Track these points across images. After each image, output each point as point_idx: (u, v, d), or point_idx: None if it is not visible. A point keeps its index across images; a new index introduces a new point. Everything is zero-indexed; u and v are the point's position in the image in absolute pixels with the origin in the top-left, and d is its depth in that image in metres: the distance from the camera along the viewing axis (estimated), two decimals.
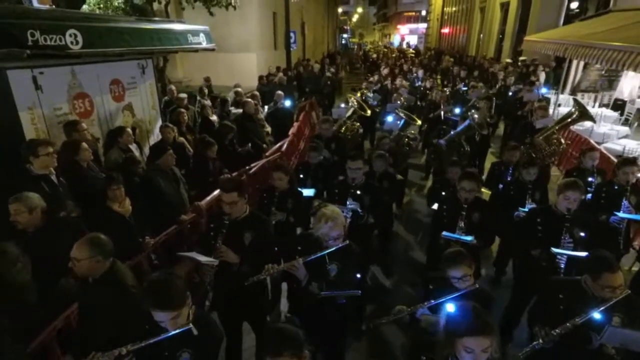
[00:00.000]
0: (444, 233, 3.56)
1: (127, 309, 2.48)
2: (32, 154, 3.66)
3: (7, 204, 3.09)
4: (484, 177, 7.35)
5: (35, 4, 5.89)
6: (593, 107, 10.74)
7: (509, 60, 17.07)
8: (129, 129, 5.15)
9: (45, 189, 3.65)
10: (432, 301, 2.55)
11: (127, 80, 5.76)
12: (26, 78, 4.12)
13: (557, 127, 6.23)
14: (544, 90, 10.51)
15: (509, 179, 5.03)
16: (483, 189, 7.21)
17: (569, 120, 6.23)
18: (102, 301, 2.48)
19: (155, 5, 9.72)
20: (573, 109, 6.28)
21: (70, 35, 3.80)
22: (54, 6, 6.49)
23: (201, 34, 6.40)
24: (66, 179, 3.98)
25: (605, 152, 6.78)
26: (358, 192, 3.97)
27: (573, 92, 11.93)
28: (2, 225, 3.12)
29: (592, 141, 7.53)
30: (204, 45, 6.49)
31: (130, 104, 5.89)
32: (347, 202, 3.93)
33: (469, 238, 3.46)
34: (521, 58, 13.08)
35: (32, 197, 3.17)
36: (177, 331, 2.02)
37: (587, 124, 7.93)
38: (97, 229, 2.80)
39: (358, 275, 2.82)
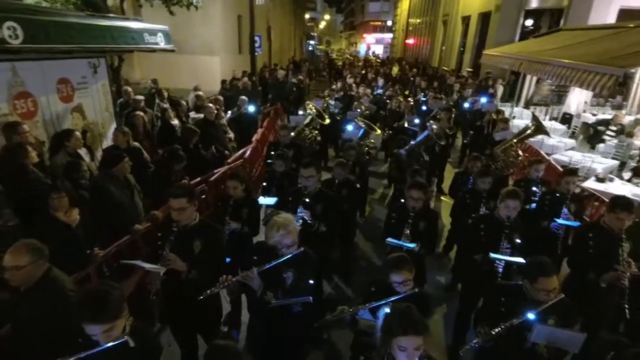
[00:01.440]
0: (389, 239, 3.63)
1: (64, 317, 2.30)
2: None
3: None
4: (443, 185, 7.79)
5: None
6: (544, 120, 11.23)
7: (469, 70, 17.73)
8: (77, 132, 4.82)
9: None
10: (373, 303, 2.64)
11: (77, 80, 5.40)
12: None
13: (515, 140, 6.48)
14: (484, 99, 10.95)
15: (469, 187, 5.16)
16: (443, 197, 7.56)
17: (527, 133, 6.52)
18: (37, 310, 2.33)
19: (110, 1, 9.24)
20: (530, 124, 6.57)
21: (9, 29, 3.48)
22: None
23: (159, 34, 6.12)
24: (6, 185, 3.64)
25: (553, 162, 7.08)
26: (307, 200, 3.96)
27: (526, 105, 12.53)
28: None
29: (542, 152, 7.89)
30: (162, 45, 6.22)
31: (80, 105, 5.52)
32: (297, 211, 3.91)
33: (412, 245, 3.55)
34: (487, 70, 13.56)
35: None
36: (109, 344, 1.94)
37: (539, 135, 8.28)
38: (40, 239, 2.57)
39: (311, 282, 2.83)
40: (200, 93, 9.21)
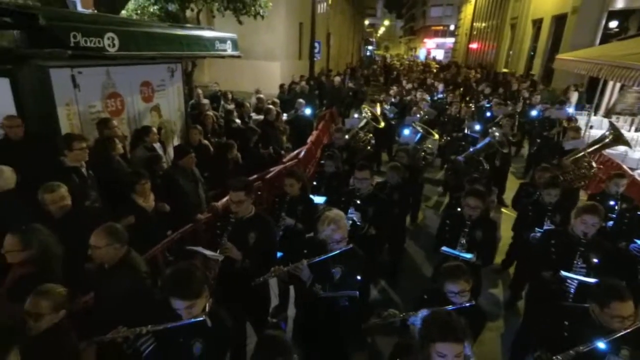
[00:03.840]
0: (444, 248, 3.52)
1: (139, 295, 2.64)
2: (67, 147, 3.97)
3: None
4: (504, 196, 7.38)
5: (79, 8, 6.29)
6: (629, 131, 10.20)
7: (532, 73, 16.47)
8: (154, 129, 5.43)
9: (75, 180, 3.94)
10: (424, 311, 2.47)
11: (157, 83, 6.06)
12: (66, 76, 4.43)
13: (588, 150, 5.94)
14: (570, 110, 10.19)
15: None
16: (504, 209, 7.23)
17: (602, 143, 5.95)
18: (117, 287, 2.63)
19: (188, 13, 10.14)
20: (607, 132, 6.00)
21: (108, 38, 4.09)
22: (95, 10, 6.90)
23: (228, 41, 6.67)
24: (95, 172, 4.26)
25: (638, 178, 6.50)
26: (359, 202, 3.97)
27: (607, 114, 11.48)
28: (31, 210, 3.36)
29: (625, 167, 7.18)
30: (230, 52, 6.76)
31: (158, 105, 6.19)
32: (348, 212, 3.93)
33: (468, 256, 3.40)
34: (573, 83, 12.43)
35: (62, 187, 3.40)
36: (191, 320, 2.12)
37: (622, 148, 7.42)
38: (120, 220, 2.98)
39: (359, 277, 2.87)
40: (262, 96, 9.78)
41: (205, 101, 8.34)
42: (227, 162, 5.50)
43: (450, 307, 2.45)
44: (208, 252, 3.04)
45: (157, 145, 5.52)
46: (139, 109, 5.80)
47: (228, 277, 3.20)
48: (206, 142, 6.21)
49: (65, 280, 2.96)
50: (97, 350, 2.34)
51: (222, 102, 9.34)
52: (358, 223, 3.92)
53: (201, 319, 2.14)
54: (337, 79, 14.30)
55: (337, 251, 2.76)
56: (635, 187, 5.94)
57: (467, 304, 2.53)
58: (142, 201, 3.95)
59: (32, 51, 3.61)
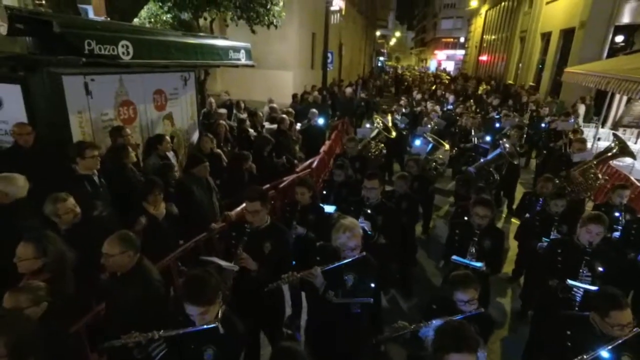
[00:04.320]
0: (454, 257, 3.54)
1: (152, 302, 2.60)
2: (79, 155, 3.91)
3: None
4: (514, 206, 7.26)
5: (91, 15, 6.31)
6: (635, 143, 10.39)
7: (532, 84, 16.47)
8: (167, 137, 5.37)
9: (87, 188, 3.90)
10: (435, 321, 2.52)
11: (170, 91, 6.02)
12: (79, 84, 4.39)
13: (595, 162, 6.08)
14: (580, 121, 10.22)
15: (538, 209, 4.91)
16: (514, 219, 7.16)
17: (608, 155, 6.10)
18: (130, 295, 2.59)
19: (201, 22, 10.19)
20: (613, 144, 6.14)
21: (123, 46, 4.05)
22: (109, 18, 6.93)
23: (242, 51, 6.64)
24: (108, 180, 4.19)
25: None
26: (369, 211, 3.97)
27: (614, 126, 11.58)
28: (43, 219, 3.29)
29: (632, 178, 7.27)
30: (244, 61, 6.73)
31: (170, 113, 6.14)
32: (359, 221, 3.87)
33: (478, 264, 3.44)
34: (581, 96, 12.70)
35: (70, 197, 3.33)
36: (204, 327, 2.12)
37: (629, 159, 7.63)
38: (131, 228, 2.91)
39: (372, 285, 2.86)
40: (275, 105, 9.74)
41: (223, 111, 8.33)
42: (242, 172, 5.41)
43: (460, 316, 2.49)
44: (223, 263, 3.01)
45: (170, 154, 5.46)
46: (151, 118, 5.75)
47: (242, 288, 3.16)
48: (218, 150, 6.13)
49: (77, 289, 2.90)
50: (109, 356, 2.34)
51: (235, 111, 9.31)
52: (369, 232, 3.89)
53: (213, 325, 2.13)
54: (349, 89, 14.29)
55: (351, 259, 2.74)
56: None
57: (476, 312, 2.56)
58: (152, 209, 3.86)
59: (46, 58, 3.58)
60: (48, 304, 2.40)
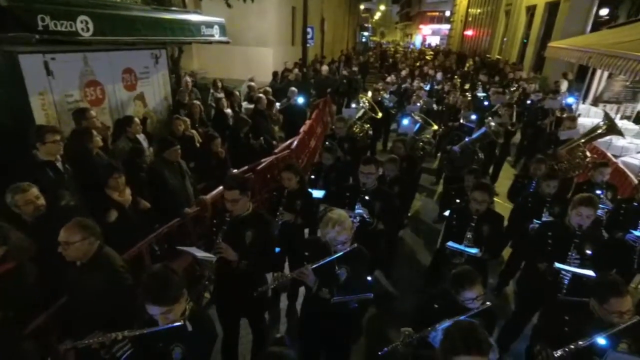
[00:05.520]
0: (449, 244, 3.49)
1: (117, 291, 2.51)
2: (39, 140, 3.68)
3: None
4: (495, 185, 7.30)
5: None
6: (614, 118, 10.31)
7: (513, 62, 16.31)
8: (137, 119, 5.15)
9: (49, 175, 3.68)
10: (444, 324, 2.36)
11: (140, 70, 5.76)
12: (37, 63, 4.13)
13: (583, 140, 5.96)
14: (571, 99, 10.14)
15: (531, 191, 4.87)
16: (496, 199, 7.14)
17: (597, 133, 5.96)
18: (92, 284, 2.49)
19: None
20: (601, 122, 6.02)
21: (81, 22, 3.79)
22: None
23: (215, 26, 6.35)
24: (73, 165, 3.99)
25: (621, 166, 6.60)
26: (367, 197, 3.85)
27: (595, 102, 11.57)
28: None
29: (609, 154, 7.32)
30: (217, 37, 6.45)
31: (142, 93, 5.90)
32: (356, 207, 3.81)
33: (474, 250, 3.38)
34: (563, 72, 12.50)
35: (33, 187, 3.15)
36: (168, 326, 2.05)
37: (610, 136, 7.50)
38: (96, 217, 2.78)
39: (368, 278, 2.80)
40: (253, 84, 9.46)
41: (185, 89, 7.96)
42: (210, 153, 5.25)
43: (467, 314, 2.38)
44: (200, 253, 2.90)
45: (140, 137, 5.25)
46: (121, 98, 5.51)
47: (223, 276, 3.08)
48: (193, 131, 5.93)
49: (42, 282, 2.79)
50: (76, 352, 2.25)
51: (212, 91, 9.01)
52: (367, 219, 3.79)
53: (179, 324, 2.06)
54: (325, 67, 13.51)
55: (342, 252, 2.64)
56: (618, 174, 6.01)
57: (483, 307, 2.44)
58: (117, 196, 3.70)
59: None
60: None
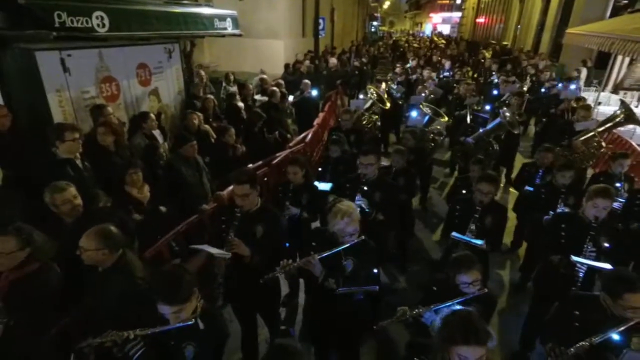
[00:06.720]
0: (454, 234, 3.47)
1: (133, 300, 2.47)
2: (58, 138, 3.68)
3: (39, 188, 3.07)
4: (512, 176, 7.06)
5: None
6: (637, 106, 10.02)
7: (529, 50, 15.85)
8: (152, 115, 5.13)
9: (69, 173, 3.68)
10: (438, 305, 2.47)
11: (154, 65, 5.73)
12: (54, 60, 4.12)
13: (599, 130, 5.89)
14: (581, 84, 9.91)
15: (538, 181, 4.83)
16: (512, 189, 7.05)
17: (614, 122, 5.89)
18: (110, 291, 2.49)
19: None
20: (618, 111, 5.93)
21: (97, 18, 3.76)
22: None
23: (228, 19, 6.29)
24: (92, 163, 3.99)
25: None
26: (366, 188, 3.86)
27: (615, 90, 11.25)
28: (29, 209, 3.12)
29: (634, 144, 7.08)
30: (230, 30, 6.39)
31: (156, 88, 5.88)
32: (355, 199, 3.83)
33: (479, 242, 3.36)
34: (582, 59, 12.22)
35: (71, 186, 3.13)
36: (180, 325, 2.06)
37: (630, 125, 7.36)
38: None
39: (375, 271, 2.80)
40: (265, 76, 9.38)
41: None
42: (226, 146, 5.19)
43: (462, 298, 2.45)
44: (214, 250, 2.89)
45: (156, 132, 5.24)
46: (136, 94, 5.49)
47: (236, 272, 3.08)
48: (207, 127, 5.90)
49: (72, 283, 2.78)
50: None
51: (224, 84, 8.96)
52: (366, 210, 3.81)
53: (191, 322, 2.09)
54: (333, 60, 13.16)
55: (348, 244, 2.65)
56: None
57: (480, 293, 2.49)
58: (136, 192, 3.69)
59: (13, 33, 3.29)
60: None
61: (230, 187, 4.75)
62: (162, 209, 3.92)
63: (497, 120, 6.33)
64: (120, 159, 4.21)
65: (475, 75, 13.02)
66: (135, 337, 2.10)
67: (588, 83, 11.76)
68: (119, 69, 5.07)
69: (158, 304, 2.06)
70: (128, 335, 2.09)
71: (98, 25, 3.79)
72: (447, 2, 48.58)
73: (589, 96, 9.99)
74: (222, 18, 6.23)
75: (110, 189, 3.90)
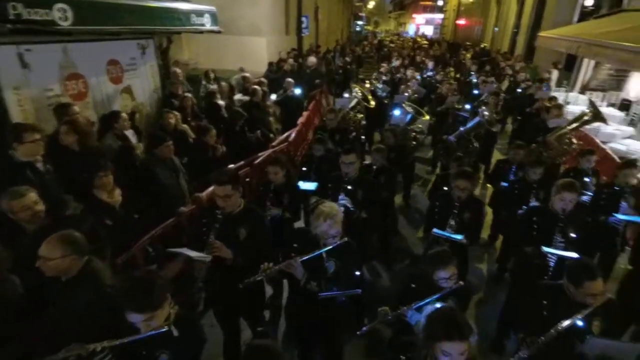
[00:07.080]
0: (434, 230, 3.54)
1: (102, 310, 2.30)
2: (16, 139, 3.40)
3: None
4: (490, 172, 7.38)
5: None
6: (600, 106, 10.50)
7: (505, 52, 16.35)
8: (124, 114, 4.84)
9: (30, 177, 3.40)
10: (419, 302, 2.52)
11: (126, 61, 5.44)
12: (11, 55, 3.81)
13: (570, 128, 6.18)
14: (552, 85, 10.28)
15: (512, 177, 5.05)
16: (490, 185, 7.09)
17: (583, 120, 6.21)
18: (75, 301, 2.31)
19: None
20: (587, 110, 6.24)
21: (59, 10, 3.48)
22: None
23: (206, 15, 6.04)
24: (55, 165, 3.70)
25: (609, 152, 6.72)
26: (349, 187, 3.88)
27: (582, 90, 11.70)
28: None
29: (597, 140, 7.42)
30: (208, 27, 6.15)
31: (129, 86, 5.59)
32: (339, 198, 3.86)
33: (459, 237, 3.45)
34: (553, 61, 12.68)
35: (31, 191, 2.89)
36: (151, 333, 1.96)
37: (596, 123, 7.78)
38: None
39: (357, 273, 2.80)
40: (247, 74, 9.10)
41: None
42: (206, 147, 4.97)
43: (440, 294, 2.51)
44: (193, 253, 2.80)
45: (129, 132, 4.95)
46: (106, 92, 5.19)
47: (218, 275, 2.99)
48: (185, 126, 5.63)
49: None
50: None
51: (204, 82, 8.64)
52: (350, 208, 3.83)
53: (164, 330, 1.99)
54: (312, 59, 12.63)
55: (331, 246, 2.62)
56: (607, 161, 6.17)
57: (456, 287, 2.57)
58: (106, 197, 3.43)
59: None
60: None
61: (210, 189, 4.53)
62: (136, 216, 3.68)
63: (477, 119, 6.59)
64: (86, 160, 3.91)
65: (458, 76, 13.18)
66: (103, 350, 1.98)
67: (559, 84, 12.24)
68: (86, 66, 4.77)
69: (127, 313, 1.94)
70: (95, 348, 1.96)
71: (60, 18, 3.51)
72: (430, 3, 49.07)
73: (560, 96, 10.36)
74: (199, 14, 5.97)
75: (75, 192, 3.64)
